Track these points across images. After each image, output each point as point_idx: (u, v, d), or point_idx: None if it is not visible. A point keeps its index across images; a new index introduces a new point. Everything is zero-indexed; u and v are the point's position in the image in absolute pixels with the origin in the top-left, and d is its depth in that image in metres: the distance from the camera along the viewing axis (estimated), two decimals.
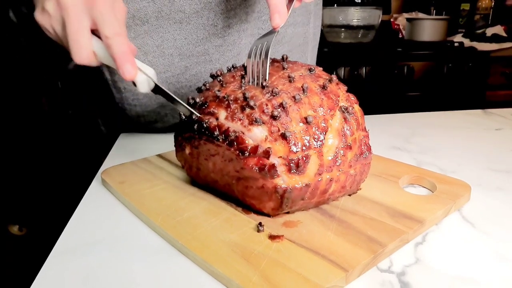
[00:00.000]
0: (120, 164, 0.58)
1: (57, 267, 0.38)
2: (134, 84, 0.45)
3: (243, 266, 0.35)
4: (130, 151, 0.68)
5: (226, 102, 0.42)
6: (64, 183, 1.60)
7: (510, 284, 0.35)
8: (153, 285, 0.35)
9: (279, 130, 0.40)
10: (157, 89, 0.46)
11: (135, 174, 0.54)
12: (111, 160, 0.65)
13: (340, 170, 0.42)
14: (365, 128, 0.46)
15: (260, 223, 0.41)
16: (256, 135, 0.40)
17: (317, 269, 0.35)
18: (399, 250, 0.40)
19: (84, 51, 0.42)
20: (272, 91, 0.42)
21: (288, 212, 0.44)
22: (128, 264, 0.38)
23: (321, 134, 0.41)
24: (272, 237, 0.39)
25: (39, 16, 0.45)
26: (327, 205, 0.46)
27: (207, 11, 0.65)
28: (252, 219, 0.43)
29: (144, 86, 0.45)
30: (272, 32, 0.47)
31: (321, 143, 0.41)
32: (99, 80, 0.83)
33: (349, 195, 0.47)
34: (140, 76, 0.44)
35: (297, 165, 0.39)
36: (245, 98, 0.41)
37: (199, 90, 0.48)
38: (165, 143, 0.69)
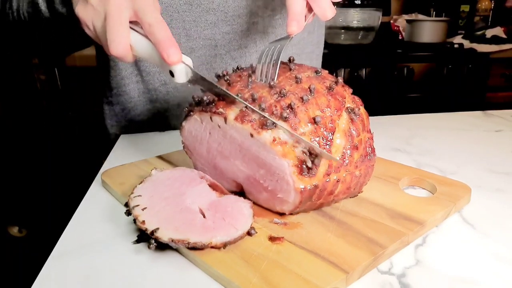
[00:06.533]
0: (120, 165, 0.58)
1: (57, 267, 0.38)
2: (172, 74, 0.43)
3: (243, 267, 0.35)
4: (130, 153, 0.68)
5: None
6: (64, 184, 1.60)
7: (510, 285, 0.35)
8: (152, 286, 0.35)
9: None
10: (195, 79, 0.44)
11: (135, 176, 0.54)
12: (111, 161, 0.65)
13: (347, 170, 0.42)
14: (370, 130, 0.46)
15: (252, 228, 0.40)
16: (265, 137, 0.40)
17: (317, 270, 0.35)
18: (399, 251, 0.39)
19: (122, 42, 0.43)
20: (280, 92, 0.41)
21: (289, 214, 0.44)
22: (128, 265, 0.38)
23: (329, 134, 0.41)
24: (272, 239, 0.39)
25: (81, 10, 0.46)
26: (327, 207, 0.46)
27: None
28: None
29: (182, 75, 0.43)
30: (286, 38, 0.47)
31: (330, 143, 0.40)
32: (100, 82, 0.83)
33: (350, 197, 0.47)
34: (179, 65, 0.42)
35: (309, 168, 0.39)
36: (253, 100, 0.41)
37: (203, 90, 0.48)
38: (166, 144, 0.69)
